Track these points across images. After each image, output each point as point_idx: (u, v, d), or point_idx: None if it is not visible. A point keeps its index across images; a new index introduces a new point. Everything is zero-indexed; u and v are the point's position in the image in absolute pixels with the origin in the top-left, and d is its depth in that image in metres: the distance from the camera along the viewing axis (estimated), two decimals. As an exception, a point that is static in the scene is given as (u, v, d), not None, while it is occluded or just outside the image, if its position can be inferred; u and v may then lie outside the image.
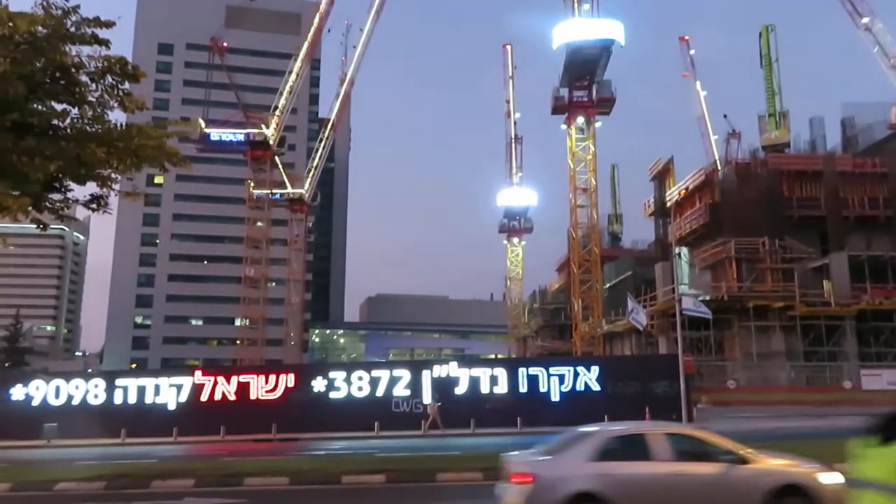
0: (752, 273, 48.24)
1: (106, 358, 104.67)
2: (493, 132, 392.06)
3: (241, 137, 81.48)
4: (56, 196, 7.49)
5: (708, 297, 44.58)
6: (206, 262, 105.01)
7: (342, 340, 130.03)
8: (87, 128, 7.00)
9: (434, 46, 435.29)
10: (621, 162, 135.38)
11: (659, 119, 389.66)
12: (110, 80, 7.02)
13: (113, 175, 7.28)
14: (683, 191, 58.50)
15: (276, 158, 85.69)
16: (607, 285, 65.65)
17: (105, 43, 6.98)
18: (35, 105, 6.66)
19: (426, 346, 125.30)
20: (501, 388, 30.64)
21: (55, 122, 6.76)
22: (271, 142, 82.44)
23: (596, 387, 30.37)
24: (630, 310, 36.05)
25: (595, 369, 30.95)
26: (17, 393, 30.57)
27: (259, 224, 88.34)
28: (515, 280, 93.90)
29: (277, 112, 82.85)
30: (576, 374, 30.65)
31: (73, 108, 6.86)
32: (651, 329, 47.00)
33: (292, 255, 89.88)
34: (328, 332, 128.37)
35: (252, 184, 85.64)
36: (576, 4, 61.60)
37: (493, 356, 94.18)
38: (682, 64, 79.02)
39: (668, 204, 62.21)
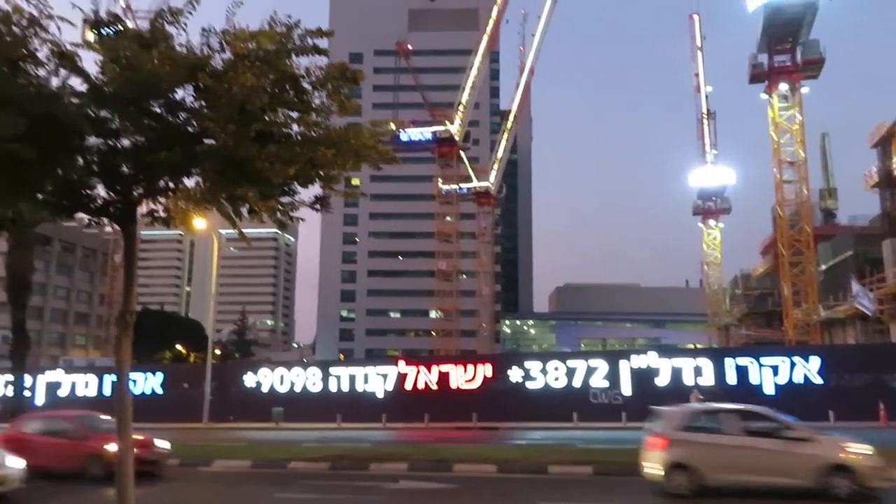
0: None
1: (318, 349, 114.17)
2: (681, 109, 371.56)
3: (429, 136, 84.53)
4: (285, 199, 8.24)
5: (952, 277, 38.77)
6: (400, 258, 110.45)
7: (533, 331, 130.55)
8: (312, 132, 7.61)
9: (612, 25, 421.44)
10: (833, 129, 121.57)
11: (878, 77, 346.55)
12: (330, 85, 7.60)
13: (335, 175, 7.89)
14: (916, 156, 51.34)
15: (462, 153, 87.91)
16: (822, 267, 59.49)
17: (325, 52, 7.55)
18: (272, 115, 7.37)
19: (618, 336, 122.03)
20: (707, 379, 28.91)
21: (286, 129, 7.46)
22: (456, 138, 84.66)
23: (817, 380, 27.65)
24: (854, 293, 32.46)
25: (815, 360, 28.18)
26: (250, 380, 34.28)
27: (448, 219, 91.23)
28: (713, 265, 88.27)
29: (461, 108, 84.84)
30: (792, 365, 28.14)
31: (302, 114, 7.51)
32: (880, 314, 41.87)
33: (481, 248, 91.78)
34: (518, 322, 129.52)
35: (440, 180, 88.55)
36: (773, -39, 56.34)
37: (692, 346, 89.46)
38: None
39: (896, 172, 54.92)
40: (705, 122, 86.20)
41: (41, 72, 7.46)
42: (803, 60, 57.43)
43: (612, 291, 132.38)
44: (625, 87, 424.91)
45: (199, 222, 25.38)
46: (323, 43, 7.31)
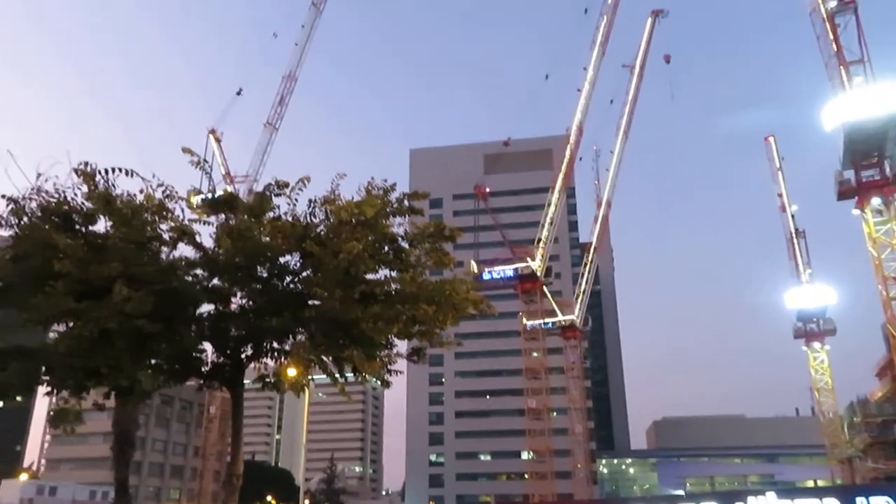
0: None
1: (407, 496, 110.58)
2: (767, 228, 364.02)
3: (511, 273, 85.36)
4: (383, 352, 8.37)
5: None
6: (488, 397, 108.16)
7: (632, 470, 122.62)
8: (409, 288, 7.83)
9: (685, 153, 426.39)
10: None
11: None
12: (427, 244, 7.90)
13: (435, 330, 8.00)
14: None
15: (545, 288, 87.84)
16: (951, 389, 54.32)
17: (419, 212, 7.92)
18: (373, 274, 7.68)
19: (727, 473, 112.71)
20: (838, 522, 25.94)
21: (387, 287, 7.73)
22: (538, 273, 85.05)
23: (971, 520, 24.31)
24: None
25: (964, 497, 24.93)
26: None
27: (535, 354, 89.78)
28: (825, 391, 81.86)
29: (541, 244, 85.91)
30: (937, 504, 24.96)
31: (401, 272, 7.79)
32: None
33: (571, 383, 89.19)
34: (615, 461, 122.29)
35: (524, 316, 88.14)
36: (845, 79, 56.46)
37: (811, 483, 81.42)
38: None
39: None
40: (795, 241, 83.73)
41: (163, 247, 8.27)
42: (893, 173, 55.83)
43: (715, 424, 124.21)
44: (704, 210, 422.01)
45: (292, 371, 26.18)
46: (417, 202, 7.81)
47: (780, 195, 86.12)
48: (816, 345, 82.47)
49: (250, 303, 7.96)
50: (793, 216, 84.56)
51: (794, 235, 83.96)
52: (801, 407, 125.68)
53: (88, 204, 7.75)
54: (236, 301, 8.21)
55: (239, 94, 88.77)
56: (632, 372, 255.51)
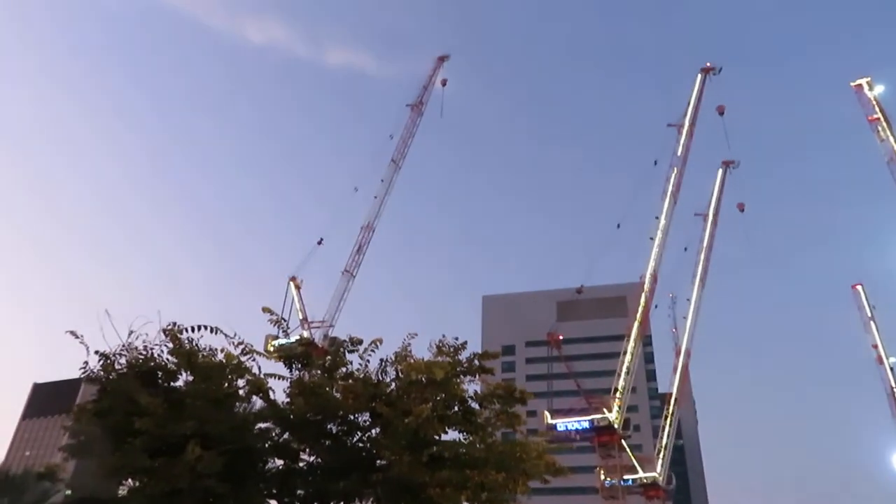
0: None
1: None
2: (861, 381, 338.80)
3: (586, 425, 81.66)
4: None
5: None
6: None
7: None
8: (478, 452, 7.59)
9: (767, 299, 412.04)
10: None
11: None
12: (497, 404, 7.77)
13: (505, 498, 7.67)
14: None
15: (623, 442, 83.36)
16: None
17: (490, 371, 7.86)
18: (442, 434, 7.54)
19: None
20: None
21: (456, 450, 7.55)
22: (616, 425, 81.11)
23: None
24: None
25: None
26: None
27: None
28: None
29: (618, 394, 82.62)
30: None
31: (469, 433, 7.64)
32: None
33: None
34: None
35: (602, 472, 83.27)
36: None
37: None
38: None
39: None
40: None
41: (237, 402, 8.50)
42: None
43: None
44: (792, 359, 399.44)
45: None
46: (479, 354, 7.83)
47: (875, 346, 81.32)
48: (935, 514, 73.96)
49: (318, 460, 7.92)
50: (892, 369, 79.20)
51: (894, 390, 78.16)
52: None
53: (173, 360, 8.18)
54: (305, 457, 8.19)
55: (320, 243, 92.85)
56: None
